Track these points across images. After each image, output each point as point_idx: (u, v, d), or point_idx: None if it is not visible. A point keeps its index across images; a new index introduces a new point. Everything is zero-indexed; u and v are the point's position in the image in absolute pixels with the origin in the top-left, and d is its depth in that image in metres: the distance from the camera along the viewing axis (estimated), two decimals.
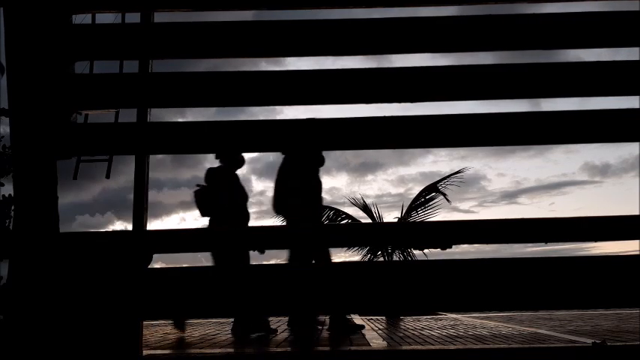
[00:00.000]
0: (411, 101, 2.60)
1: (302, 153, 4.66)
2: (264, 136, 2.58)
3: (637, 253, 2.46)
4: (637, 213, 2.48)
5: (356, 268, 2.63)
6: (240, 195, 4.97)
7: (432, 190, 7.86)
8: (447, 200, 7.65)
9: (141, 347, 2.78)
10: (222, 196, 4.85)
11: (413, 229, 2.84)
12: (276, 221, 8.17)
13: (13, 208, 3.94)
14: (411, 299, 2.50)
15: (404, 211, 8.08)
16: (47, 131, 2.48)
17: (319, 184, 4.89)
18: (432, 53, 2.72)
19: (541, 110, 2.62)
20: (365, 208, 8.24)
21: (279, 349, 3.47)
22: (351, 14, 2.67)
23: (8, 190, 5.44)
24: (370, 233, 2.86)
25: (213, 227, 4.85)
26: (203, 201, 4.93)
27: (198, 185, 5.00)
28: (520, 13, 2.75)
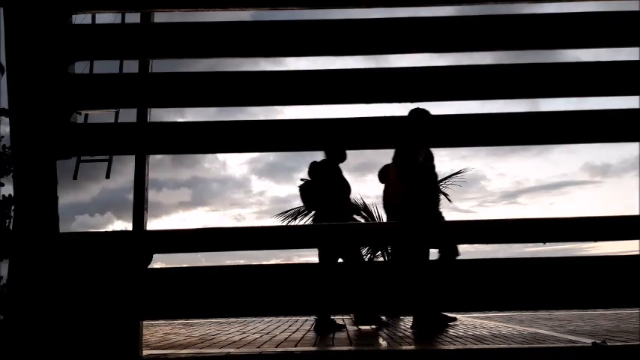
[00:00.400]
0: (411, 101, 2.60)
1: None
2: (264, 136, 2.58)
3: (637, 253, 2.46)
4: (637, 213, 2.48)
5: (356, 268, 2.63)
6: (344, 187, 5.00)
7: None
8: (448, 200, 7.66)
9: (141, 347, 2.78)
10: (327, 189, 4.89)
11: (413, 229, 2.84)
12: (276, 221, 8.16)
13: (13, 208, 3.94)
14: (411, 299, 2.50)
15: None
16: (47, 131, 2.48)
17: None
18: (431, 53, 2.72)
19: (541, 110, 2.62)
20: (365, 209, 8.24)
21: (278, 349, 3.47)
22: (351, 14, 2.67)
23: (8, 190, 5.43)
24: (370, 233, 2.86)
25: (318, 220, 4.93)
26: (308, 195, 5.00)
27: (302, 179, 5.07)
28: (520, 13, 2.75)
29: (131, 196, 2.95)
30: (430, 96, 2.60)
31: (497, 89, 2.58)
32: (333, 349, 3.45)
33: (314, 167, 5.03)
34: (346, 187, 5.03)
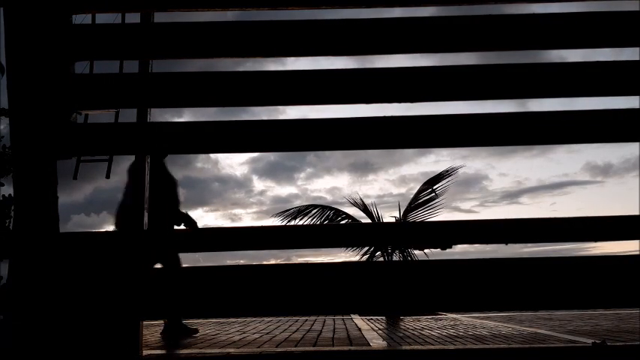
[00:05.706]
0: (411, 101, 2.60)
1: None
2: (264, 135, 2.58)
3: (637, 253, 2.46)
4: (638, 213, 2.48)
5: (356, 268, 2.63)
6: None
7: (427, 188, 7.88)
8: (436, 195, 7.70)
9: (141, 347, 2.78)
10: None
11: (413, 229, 2.84)
12: (276, 221, 8.17)
13: (13, 208, 3.93)
14: (411, 299, 2.50)
15: (402, 212, 8.09)
16: (47, 131, 2.48)
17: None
18: (432, 53, 2.72)
19: (542, 110, 2.62)
20: (365, 209, 8.24)
21: (278, 349, 3.47)
22: (349, 14, 2.67)
23: (8, 190, 5.44)
24: (370, 233, 2.86)
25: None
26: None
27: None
28: (521, 12, 2.75)
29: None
30: (430, 96, 2.60)
31: (499, 89, 2.58)
32: (333, 349, 3.45)
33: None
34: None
